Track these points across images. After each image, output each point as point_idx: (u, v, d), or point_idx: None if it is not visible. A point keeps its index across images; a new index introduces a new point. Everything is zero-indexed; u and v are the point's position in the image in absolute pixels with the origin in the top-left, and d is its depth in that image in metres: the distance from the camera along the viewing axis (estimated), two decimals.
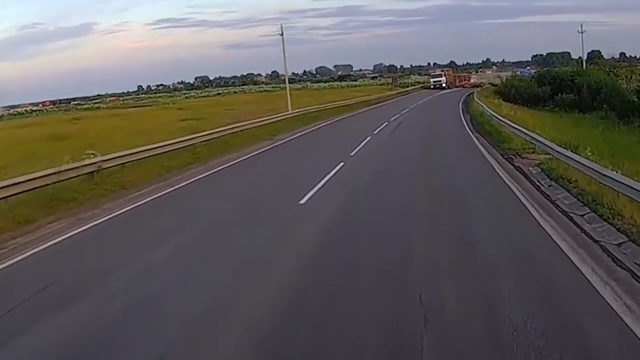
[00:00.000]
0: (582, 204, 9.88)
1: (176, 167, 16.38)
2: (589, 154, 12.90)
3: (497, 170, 13.97)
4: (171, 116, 44.83)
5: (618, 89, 50.65)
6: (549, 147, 14.26)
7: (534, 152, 16.36)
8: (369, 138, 21.65)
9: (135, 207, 11.64)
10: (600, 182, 10.22)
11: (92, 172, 13.86)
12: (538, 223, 8.84)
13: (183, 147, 18.95)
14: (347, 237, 8.47)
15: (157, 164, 16.37)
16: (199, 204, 11.77)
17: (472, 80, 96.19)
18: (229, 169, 16.40)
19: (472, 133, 22.62)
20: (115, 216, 10.85)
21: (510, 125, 19.82)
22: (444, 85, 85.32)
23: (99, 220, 10.46)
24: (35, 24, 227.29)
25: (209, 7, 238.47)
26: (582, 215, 9.22)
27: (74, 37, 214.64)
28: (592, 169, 10.80)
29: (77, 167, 13.39)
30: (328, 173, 13.85)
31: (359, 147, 18.93)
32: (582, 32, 65.97)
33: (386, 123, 28.37)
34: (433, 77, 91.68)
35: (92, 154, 14.46)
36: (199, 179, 14.72)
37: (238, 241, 8.52)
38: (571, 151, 13.05)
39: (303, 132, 26.41)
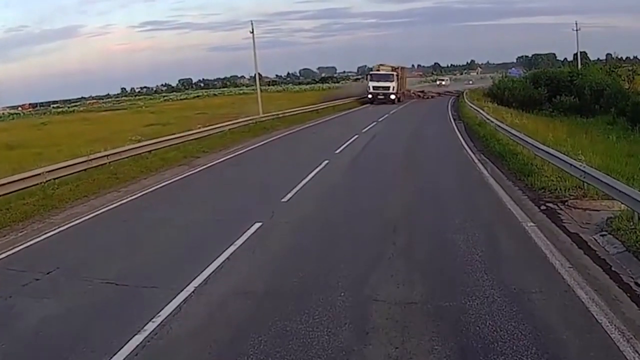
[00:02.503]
0: None
1: None
2: None
3: (540, 245, 7.44)
4: (140, 120, 42.43)
5: (623, 90, 45.69)
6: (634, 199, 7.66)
7: (585, 197, 9.84)
8: (325, 162, 14.94)
9: None
10: None
11: None
12: None
13: (31, 186, 12.15)
14: None
15: None
16: None
17: (443, 83, 79.24)
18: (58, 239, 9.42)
19: (474, 154, 16.00)
20: None
21: (536, 146, 13.17)
22: (392, 96, 48.44)
23: None
24: (20, 26, 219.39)
25: (192, 9, 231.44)
26: None
27: (58, 40, 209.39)
28: None
29: None
30: (218, 256, 7.21)
31: (302, 184, 12.17)
32: (577, 30, 60.31)
33: (356, 136, 21.64)
34: (374, 78, 50.28)
35: None
36: None
37: None
38: None
39: (240, 151, 19.40)
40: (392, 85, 49.09)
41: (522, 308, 5.50)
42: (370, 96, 48.72)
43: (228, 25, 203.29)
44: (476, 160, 14.86)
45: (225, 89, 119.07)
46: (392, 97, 48.27)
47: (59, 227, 9.82)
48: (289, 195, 10.97)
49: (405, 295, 5.94)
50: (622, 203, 8.37)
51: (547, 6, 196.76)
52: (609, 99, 42.48)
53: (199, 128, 22.23)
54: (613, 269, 6.52)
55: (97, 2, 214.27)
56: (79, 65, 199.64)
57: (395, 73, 50.55)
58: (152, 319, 5.57)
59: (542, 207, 9.40)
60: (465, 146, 18.08)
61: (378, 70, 52.16)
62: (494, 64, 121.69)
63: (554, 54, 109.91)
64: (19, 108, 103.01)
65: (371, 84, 49.62)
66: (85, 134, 32.41)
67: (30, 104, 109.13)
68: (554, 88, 47.41)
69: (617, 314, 5.36)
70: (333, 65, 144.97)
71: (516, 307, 5.50)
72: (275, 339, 5.09)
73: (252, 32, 34.76)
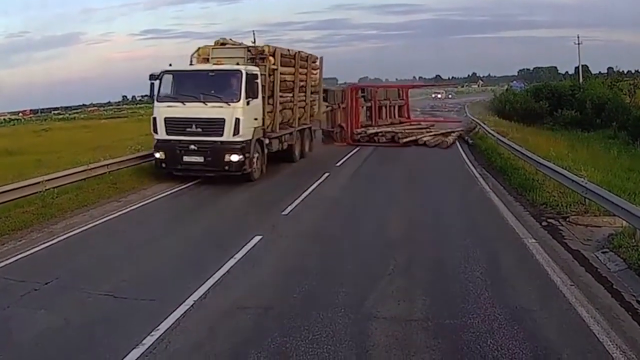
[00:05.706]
0: None
1: None
2: None
3: (542, 262, 7.43)
4: (140, 129, 41.18)
5: (625, 105, 45.80)
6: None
7: (587, 213, 9.82)
8: (326, 175, 14.92)
9: None
10: None
11: None
12: None
13: (30, 194, 12.06)
14: None
15: None
16: None
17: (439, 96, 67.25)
18: None
19: (475, 168, 16.08)
20: None
21: (538, 162, 13.25)
22: (234, 157, 12.95)
23: None
24: (21, 32, 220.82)
25: (193, 18, 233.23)
26: None
27: (59, 47, 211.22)
28: None
29: None
30: None
31: (302, 197, 12.14)
32: (578, 44, 60.53)
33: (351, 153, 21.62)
34: (178, 90, 13.89)
35: None
36: None
37: None
38: None
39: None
40: (235, 115, 13.26)
41: (522, 326, 5.47)
42: (158, 155, 14.07)
43: (229, 34, 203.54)
44: (477, 175, 14.88)
45: None
46: (234, 157, 13.21)
47: (58, 237, 9.77)
48: (290, 208, 10.94)
49: (406, 313, 5.91)
50: (624, 220, 8.36)
51: (548, 19, 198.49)
52: (610, 113, 42.39)
53: None
54: (614, 286, 6.49)
55: (98, 10, 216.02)
56: (80, 73, 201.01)
57: (251, 72, 14.27)
58: (150, 332, 5.53)
59: (544, 223, 9.39)
60: (467, 160, 18.10)
61: (193, 60, 15.54)
62: (495, 76, 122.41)
63: (556, 67, 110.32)
64: (20, 114, 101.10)
65: (160, 107, 14.05)
66: (85, 141, 31.90)
67: (30, 110, 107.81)
68: (556, 102, 47.35)
69: (619, 332, 5.33)
70: (334, 76, 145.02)
71: (517, 325, 5.47)
72: (275, 356, 5.05)
73: (254, 43, 34.51)
